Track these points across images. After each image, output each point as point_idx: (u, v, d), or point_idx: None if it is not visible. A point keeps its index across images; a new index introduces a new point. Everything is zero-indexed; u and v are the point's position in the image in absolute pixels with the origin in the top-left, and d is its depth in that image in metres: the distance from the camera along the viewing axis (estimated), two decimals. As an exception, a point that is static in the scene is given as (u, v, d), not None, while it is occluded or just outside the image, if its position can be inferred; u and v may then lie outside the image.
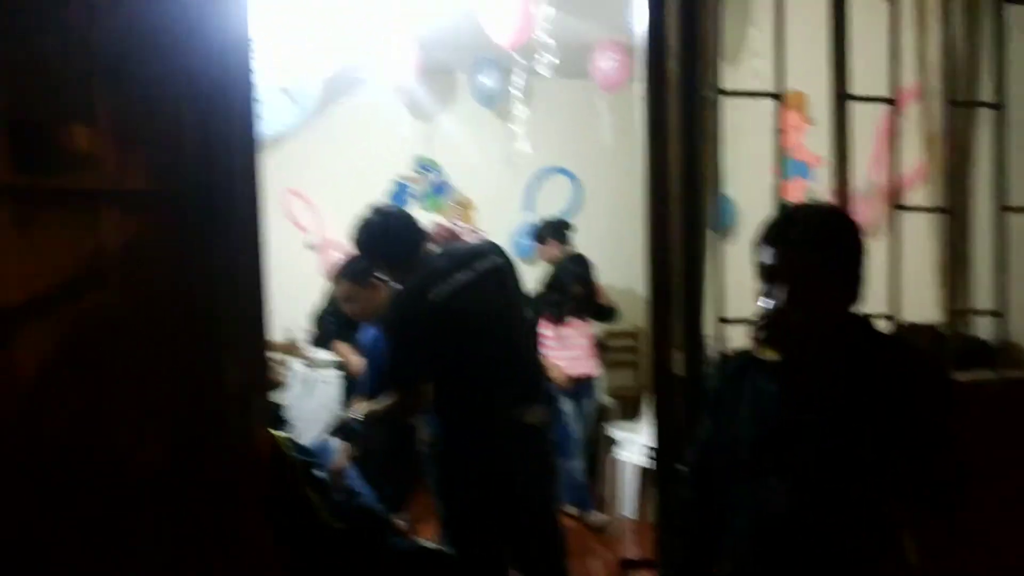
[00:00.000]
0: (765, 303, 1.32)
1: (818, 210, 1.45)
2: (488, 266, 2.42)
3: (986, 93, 2.09)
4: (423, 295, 2.31)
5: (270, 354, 2.02)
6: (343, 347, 3.74)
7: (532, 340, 2.56)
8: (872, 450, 1.26)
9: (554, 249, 4.50)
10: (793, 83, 3.43)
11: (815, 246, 1.31)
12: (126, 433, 1.57)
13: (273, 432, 2.31)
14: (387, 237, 2.41)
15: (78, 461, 1.54)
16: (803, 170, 3.79)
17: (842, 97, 1.97)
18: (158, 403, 1.60)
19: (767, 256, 1.34)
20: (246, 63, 1.64)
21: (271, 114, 4.18)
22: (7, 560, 1.49)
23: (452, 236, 3.18)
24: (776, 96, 1.97)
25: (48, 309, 1.53)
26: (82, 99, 1.53)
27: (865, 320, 1.41)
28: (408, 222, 2.47)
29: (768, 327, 1.31)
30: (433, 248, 2.54)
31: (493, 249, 2.53)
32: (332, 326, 3.82)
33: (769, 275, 1.33)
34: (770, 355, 1.33)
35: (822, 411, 1.31)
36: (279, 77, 4.15)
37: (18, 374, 1.50)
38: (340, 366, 3.99)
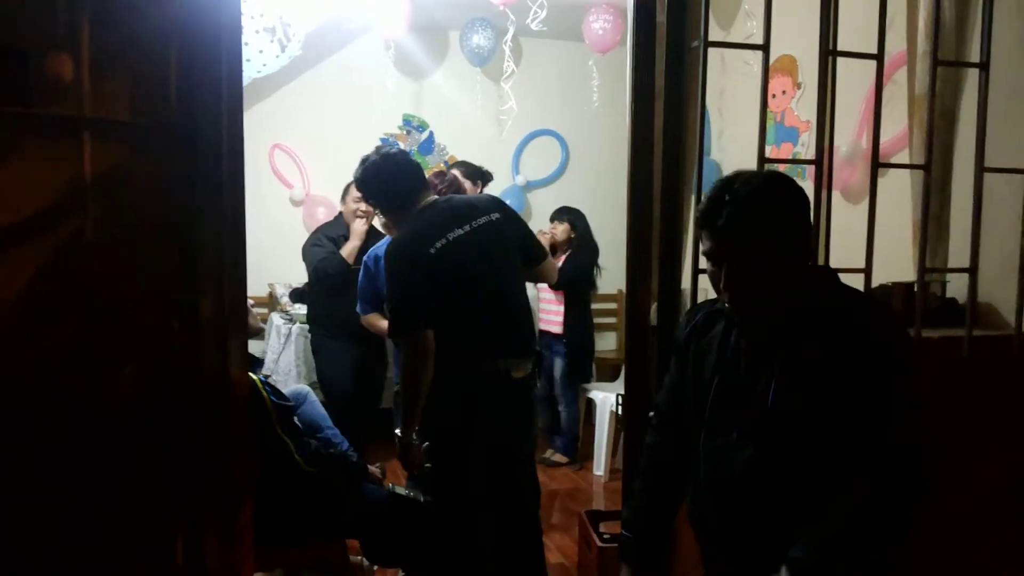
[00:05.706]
0: (720, 297, 1.36)
1: (749, 183, 1.31)
2: (484, 222, 2.45)
3: (974, 56, 2.09)
4: (424, 248, 2.35)
5: (249, 299, 2.02)
6: (373, 317, 3.33)
7: (525, 297, 2.57)
8: (827, 415, 1.28)
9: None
10: (785, 47, 3.44)
11: (746, 227, 1.27)
12: (104, 362, 1.57)
13: (252, 376, 2.32)
14: (382, 180, 2.46)
15: (57, 389, 1.54)
16: (792, 136, 3.80)
17: (829, 53, 1.97)
18: (136, 334, 1.60)
19: (705, 240, 1.33)
20: (235, 3, 1.63)
21: (256, 55, 4.11)
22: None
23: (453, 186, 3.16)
24: (763, 48, 1.96)
25: (27, 236, 1.52)
26: (65, 29, 1.51)
27: (828, 279, 1.41)
28: (406, 167, 2.49)
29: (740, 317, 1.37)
30: (434, 197, 2.55)
31: (493, 205, 2.55)
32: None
33: (710, 258, 1.34)
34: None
35: (780, 374, 1.32)
36: (265, 19, 4.08)
37: (-3, 300, 1.50)
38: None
